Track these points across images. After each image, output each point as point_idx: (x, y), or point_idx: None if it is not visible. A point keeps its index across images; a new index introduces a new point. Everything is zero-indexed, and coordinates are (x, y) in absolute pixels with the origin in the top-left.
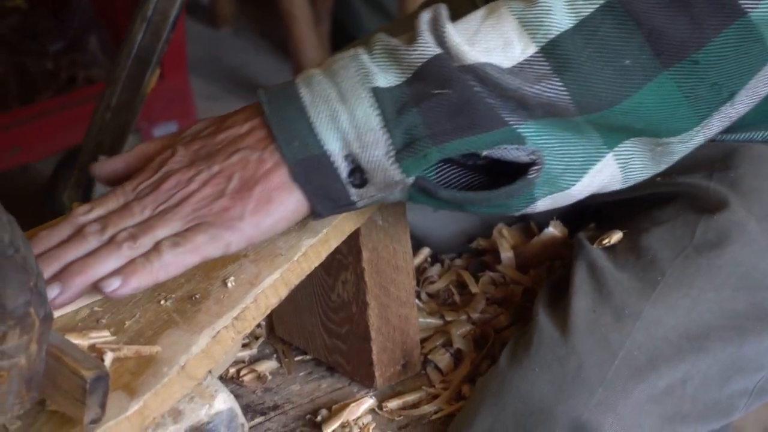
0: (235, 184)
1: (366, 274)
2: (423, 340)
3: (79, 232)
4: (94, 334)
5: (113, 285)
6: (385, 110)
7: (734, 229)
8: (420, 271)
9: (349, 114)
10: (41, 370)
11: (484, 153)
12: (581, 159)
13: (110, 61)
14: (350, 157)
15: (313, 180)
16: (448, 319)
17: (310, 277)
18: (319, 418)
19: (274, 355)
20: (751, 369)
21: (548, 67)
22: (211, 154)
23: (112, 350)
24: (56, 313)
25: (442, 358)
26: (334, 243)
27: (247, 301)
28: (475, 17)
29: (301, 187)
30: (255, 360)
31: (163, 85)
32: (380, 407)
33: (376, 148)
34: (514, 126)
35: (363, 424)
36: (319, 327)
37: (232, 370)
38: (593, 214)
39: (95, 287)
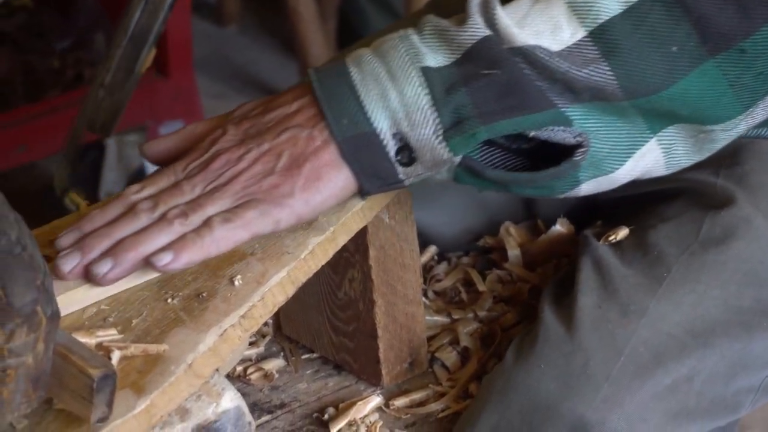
0: (284, 161)
1: (373, 272)
2: (430, 338)
3: (130, 210)
4: (101, 333)
5: (165, 259)
6: (434, 89)
7: (741, 225)
8: (427, 269)
9: (398, 93)
10: (48, 368)
11: (532, 134)
12: (626, 143)
13: None
14: (398, 136)
15: (362, 158)
16: (455, 317)
17: (317, 275)
18: (326, 416)
19: (281, 354)
20: (758, 366)
21: (596, 52)
22: (260, 133)
23: (120, 349)
24: (63, 312)
25: (449, 356)
26: (342, 241)
27: (254, 300)
28: (524, 1)
29: (349, 165)
30: (262, 358)
31: (169, 83)
32: (387, 405)
33: (425, 126)
34: (562, 108)
35: (370, 422)
36: (326, 325)
37: (239, 369)
38: (600, 211)
39: (147, 262)
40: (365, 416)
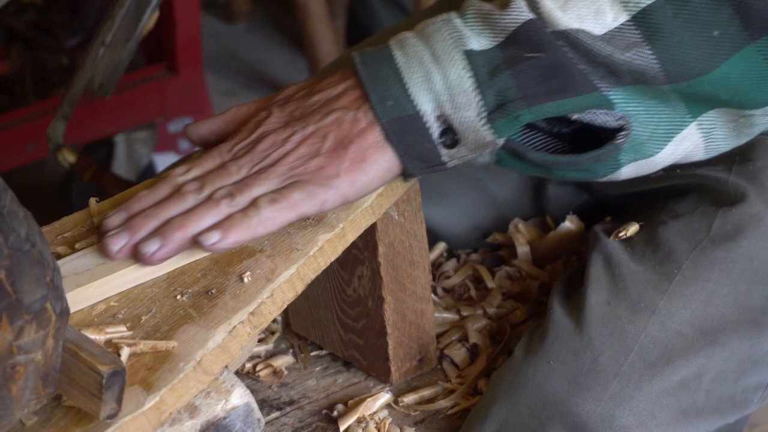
0: (329, 143)
1: (382, 269)
2: (439, 335)
3: (177, 191)
4: (110, 329)
5: (213, 238)
6: (477, 72)
7: (751, 223)
8: (436, 266)
9: (442, 75)
10: (57, 365)
11: (575, 117)
12: (666, 127)
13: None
14: (442, 118)
15: (406, 140)
16: (464, 314)
17: (326, 272)
18: (335, 413)
19: (290, 350)
20: (766, 363)
21: (639, 36)
22: (305, 115)
23: (129, 345)
24: (72, 308)
25: (458, 353)
26: (351, 238)
27: (263, 296)
28: None
29: (393, 147)
30: (271, 355)
31: (179, 80)
32: (396, 402)
33: (469, 109)
34: (604, 92)
35: (379, 419)
36: (335, 322)
37: (249, 366)
38: (610, 207)
39: (194, 242)
40: (374, 413)
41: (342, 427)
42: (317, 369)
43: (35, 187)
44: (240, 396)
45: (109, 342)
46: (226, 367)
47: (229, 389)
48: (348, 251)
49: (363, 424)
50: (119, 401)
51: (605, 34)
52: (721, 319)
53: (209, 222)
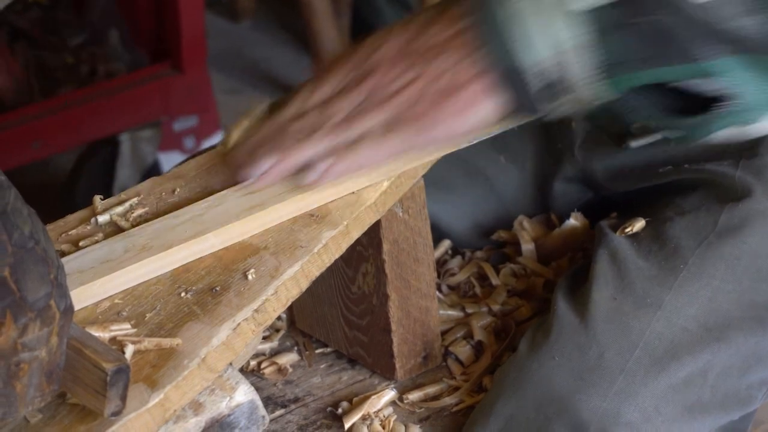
0: (435, 87)
1: (386, 266)
2: (444, 332)
3: (282, 127)
4: (114, 327)
5: (319, 169)
6: (591, 30)
7: (757, 219)
8: (440, 263)
9: (556, 30)
10: (62, 362)
11: (673, 84)
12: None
13: (130, 54)
14: (553, 70)
15: (513, 89)
16: (469, 311)
17: (331, 269)
18: (339, 410)
19: (295, 348)
20: None
21: (748, 4)
22: (414, 57)
23: (133, 343)
24: (76, 306)
25: (463, 350)
26: (355, 235)
27: (267, 294)
28: None
29: (499, 95)
30: (276, 352)
31: (183, 79)
32: (401, 399)
33: (579, 66)
34: (712, 60)
35: (384, 416)
36: (340, 319)
37: (253, 363)
38: (616, 204)
39: (300, 171)
40: (379, 410)
41: (347, 425)
42: (322, 366)
43: (40, 186)
44: (244, 393)
45: (113, 339)
46: (231, 364)
47: (233, 386)
48: (352, 248)
49: (368, 422)
50: (123, 398)
51: (711, 2)
52: (726, 316)
53: (313, 153)
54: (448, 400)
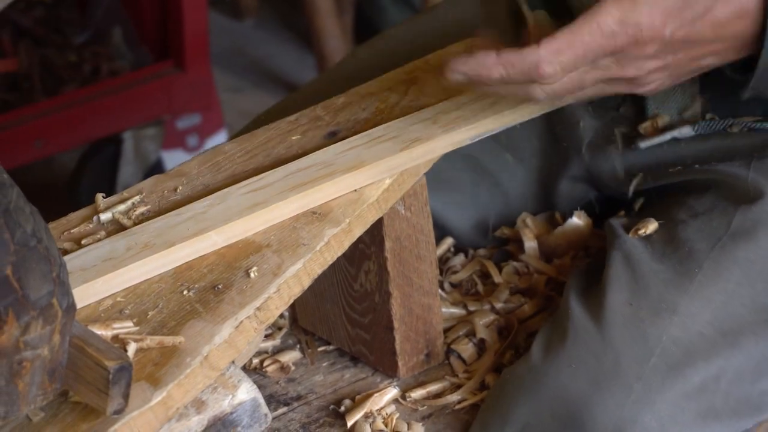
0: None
1: (389, 264)
2: (446, 330)
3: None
4: (117, 325)
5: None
6: None
7: None
8: (443, 260)
9: None
10: (64, 360)
11: None
12: None
13: (134, 53)
14: None
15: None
16: (472, 308)
17: (333, 267)
18: (342, 408)
19: (297, 346)
20: None
21: None
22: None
23: (135, 341)
24: (79, 304)
25: (466, 348)
26: (357, 233)
27: (269, 291)
28: None
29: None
30: (278, 350)
31: (186, 77)
32: (403, 397)
33: None
34: None
35: (386, 414)
36: (342, 317)
37: (256, 361)
38: (620, 203)
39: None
40: (382, 408)
41: (349, 423)
42: (324, 364)
43: (43, 185)
44: (247, 391)
45: (115, 337)
46: (233, 362)
47: (236, 384)
48: (355, 246)
49: (370, 420)
50: (126, 397)
51: None
52: (740, 320)
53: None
54: (450, 398)
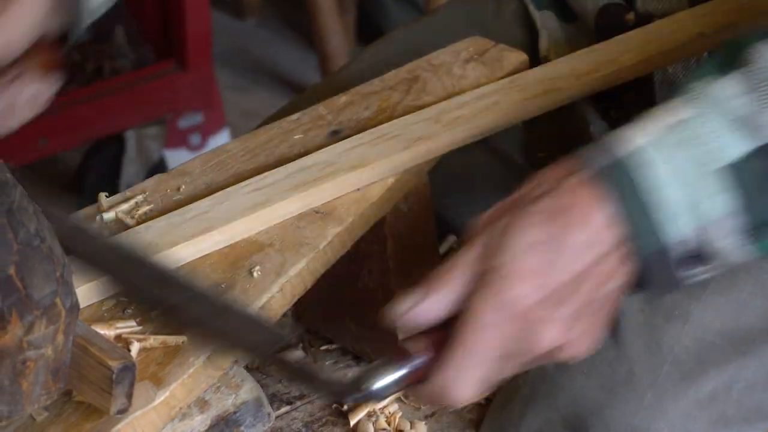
0: (599, 316)
1: (391, 262)
2: None
3: None
4: (120, 325)
5: None
6: (744, 190)
7: None
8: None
9: (706, 199)
10: (68, 360)
11: None
12: None
13: (136, 52)
14: (702, 242)
15: (661, 273)
16: None
17: (336, 265)
18: (345, 407)
19: (300, 345)
20: None
21: None
22: (568, 293)
23: (139, 340)
24: (82, 304)
25: None
26: (360, 231)
27: (272, 291)
28: None
29: (646, 280)
30: (281, 349)
31: (189, 76)
32: (406, 396)
33: (733, 232)
34: None
35: (389, 412)
36: (345, 316)
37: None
38: None
39: None
40: (384, 407)
41: (352, 421)
42: (327, 363)
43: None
44: (250, 390)
45: (118, 337)
46: (236, 361)
47: (239, 384)
48: (357, 245)
49: (373, 418)
50: (129, 396)
51: None
52: (752, 331)
53: None
54: None
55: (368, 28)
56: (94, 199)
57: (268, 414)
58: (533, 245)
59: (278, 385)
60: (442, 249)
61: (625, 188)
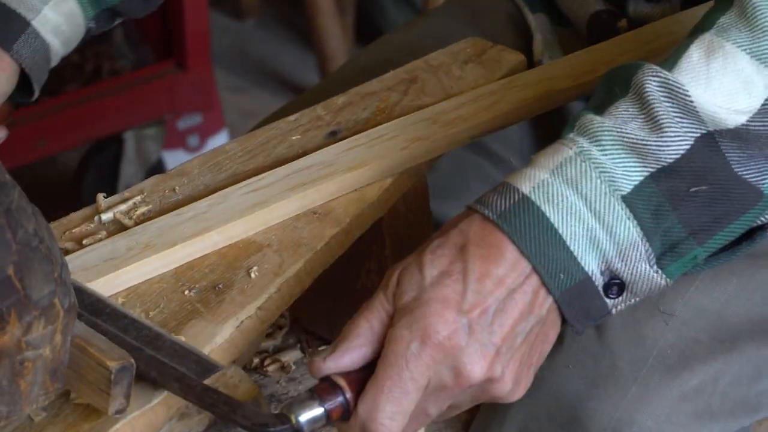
0: (525, 349)
1: (389, 263)
2: None
3: None
4: None
5: None
6: (642, 220)
7: None
8: None
9: (607, 233)
10: (66, 360)
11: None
12: None
13: (135, 52)
14: (610, 273)
15: (576, 304)
16: None
17: (334, 266)
18: None
19: (298, 345)
20: None
21: None
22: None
23: None
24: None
25: None
26: (358, 232)
27: (270, 291)
28: (692, 60)
29: (564, 315)
30: (279, 350)
31: (188, 76)
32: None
33: (639, 261)
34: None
35: None
36: (343, 316)
37: (256, 360)
38: None
39: None
40: None
41: None
42: None
43: (44, 184)
44: (248, 391)
45: None
46: (234, 362)
47: (236, 384)
48: (355, 245)
49: None
50: (128, 396)
51: (763, 107)
52: (737, 330)
53: None
54: None
55: (367, 29)
56: (93, 200)
57: None
58: (443, 275)
59: (276, 386)
60: None
61: (526, 231)
